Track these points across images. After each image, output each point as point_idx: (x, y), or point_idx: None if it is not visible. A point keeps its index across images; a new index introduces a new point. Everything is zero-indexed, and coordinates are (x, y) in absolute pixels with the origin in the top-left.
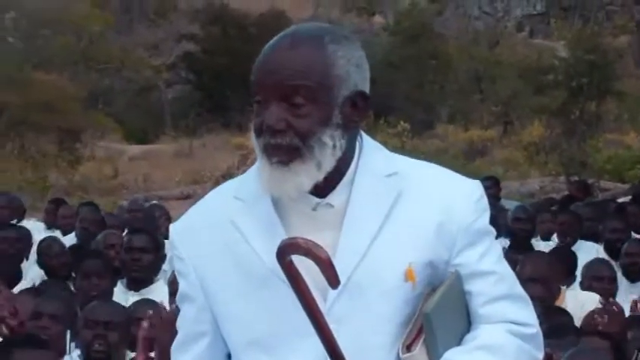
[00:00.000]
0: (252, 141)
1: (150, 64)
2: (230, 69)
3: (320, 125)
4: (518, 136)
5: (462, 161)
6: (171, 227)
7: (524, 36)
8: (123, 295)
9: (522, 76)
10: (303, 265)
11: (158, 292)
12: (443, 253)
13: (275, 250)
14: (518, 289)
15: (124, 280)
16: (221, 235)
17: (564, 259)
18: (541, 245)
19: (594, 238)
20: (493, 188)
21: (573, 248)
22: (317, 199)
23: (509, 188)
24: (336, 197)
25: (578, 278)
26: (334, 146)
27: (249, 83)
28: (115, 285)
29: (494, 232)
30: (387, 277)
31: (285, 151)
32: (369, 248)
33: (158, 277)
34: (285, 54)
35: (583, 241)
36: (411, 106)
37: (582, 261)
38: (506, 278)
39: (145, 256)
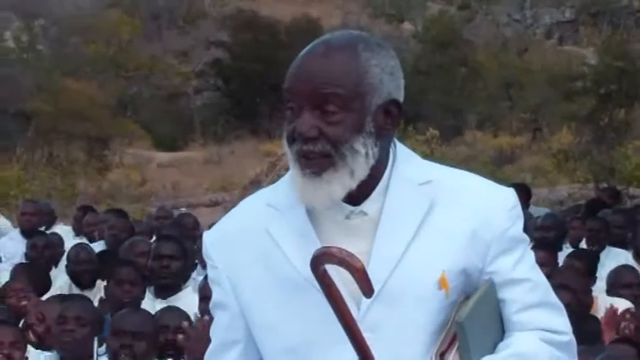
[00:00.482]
0: (285, 148)
1: (179, 70)
2: (259, 76)
3: (352, 133)
4: (547, 143)
5: (491, 168)
6: (205, 236)
7: (553, 43)
8: (150, 303)
9: (551, 83)
10: (337, 273)
11: (186, 299)
12: (476, 261)
13: (309, 258)
14: (552, 296)
15: (152, 288)
16: (255, 243)
17: (583, 262)
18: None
19: (623, 245)
20: (523, 196)
21: (602, 255)
22: (350, 207)
23: (538, 195)
24: (369, 205)
25: (599, 281)
26: (367, 154)
27: (279, 90)
28: (145, 293)
29: (527, 239)
30: (420, 285)
31: (318, 160)
32: (402, 256)
33: (187, 284)
34: (318, 61)
35: (612, 247)
36: (440, 112)
37: (611, 268)
38: (539, 286)
39: (173, 264)
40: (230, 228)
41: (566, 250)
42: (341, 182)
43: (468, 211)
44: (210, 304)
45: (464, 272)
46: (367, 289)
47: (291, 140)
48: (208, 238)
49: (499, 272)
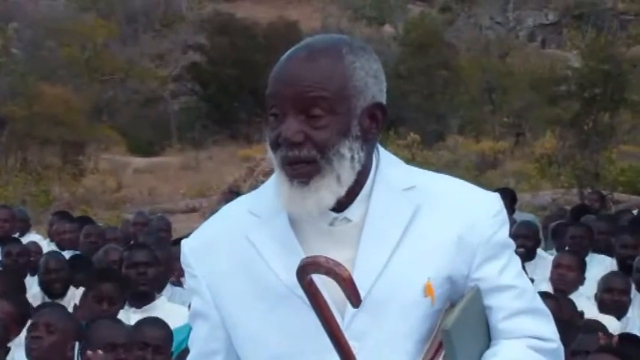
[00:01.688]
0: (269, 155)
1: (155, 74)
2: (237, 80)
3: (339, 137)
4: (531, 148)
5: (473, 173)
6: (184, 243)
7: (536, 46)
8: (124, 313)
9: (534, 87)
10: (320, 281)
11: (161, 309)
12: (462, 267)
13: (292, 267)
14: (539, 303)
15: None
16: (236, 251)
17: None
18: (546, 256)
19: (607, 251)
20: (508, 201)
21: (587, 260)
22: (334, 214)
23: (522, 200)
24: (353, 212)
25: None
26: (353, 158)
27: (257, 94)
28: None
29: (513, 245)
30: (405, 293)
31: (305, 168)
32: (387, 264)
33: (161, 293)
34: (302, 65)
35: (595, 254)
36: (421, 117)
37: (594, 274)
38: (526, 292)
39: (149, 270)
40: (210, 235)
41: (544, 256)
42: (329, 189)
43: (452, 217)
44: (190, 314)
45: (449, 279)
46: (355, 300)
47: (276, 146)
48: (187, 245)
49: (485, 279)
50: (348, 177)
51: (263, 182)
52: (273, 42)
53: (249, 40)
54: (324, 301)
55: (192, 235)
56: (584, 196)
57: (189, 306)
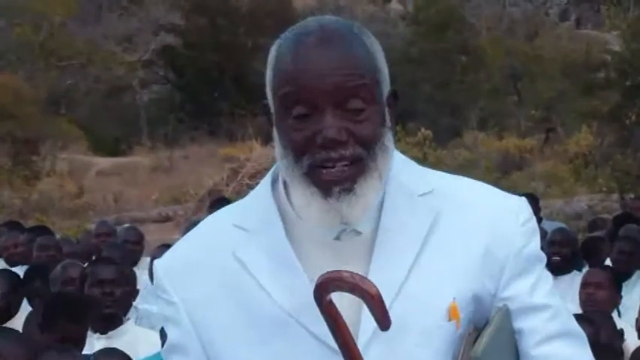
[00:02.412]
0: (280, 163)
1: (122, 59)
2: (218, 66)
3: (381, 128)
4: (563, 146)
5: (495, 175)
6: (157, 264)
7: (569, 26)
8: (87, 339)
9: (567, 74)
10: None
11: (129, 334)
12: (489, 284)
13: (291, 288)
14: (573, 324)
15: None
16: (221, 272)
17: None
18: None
19: None
20: (532, 208)
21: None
22: (342, 226)
23: (552, 207)
24: (363, 223)
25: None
26: (392, 151)
27: (242, 83)
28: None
29: (544, 257)
30: (427, 316)
31: (349, 169)
32: (404, 283)
33: (128, 316)
34: (333, 51)
35: None
36: (435, 109)
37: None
38: (561, 313)
39: (117, 290)
40: (188, 254)
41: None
42: (374, 189)
43: (477, 226)
44: (165, 348)
45: (475, 299)
46: (384, 321)
47: (305, 150)
48: (161, 267)
49: (515, 298)
50: (386, 172)
51: (249, 186)
52: (260, 21)
53: (232, 20)
54: (346, 327)
55: (166, 255)
56: (626, 203)
57: (161, 331)
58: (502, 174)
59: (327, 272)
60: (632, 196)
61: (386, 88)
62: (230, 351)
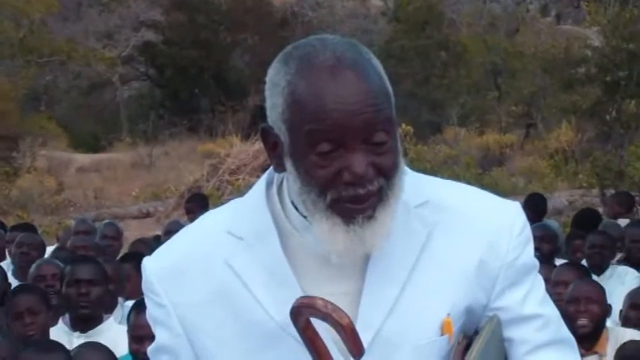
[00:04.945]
0: (299, 197)
1: (102, 56)
2: (198, 62)
3: (399, 155)
4: (543, 142)
5: (476, 171)
6: (147, 264)
7: (549, 22)
8: (66, 337)
9: (548, 70)
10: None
11: (109, 333)
12: (481, 296)
13: (284, 301)
14: (563, 330)
15: (67, 319)
16: (213, 278)
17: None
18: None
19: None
20: (538, 210)
21: (605, 276)
22: (363, 253)
23: None
24: None
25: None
26: (404, 171)
27: (221, 80)
28: (55, 323)
29: (537, 264)
30: (421, 331)
31: (369, 200)
32: (399, 297)
33: (114, 312)
34: (354, 87)
35: (619, 266)
36: (415, 105)
37: (620, 290)
38: (552, 321)
39: (93, 290)
40: (180, 256)
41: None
42: (392, 214)
43: (472, 238)
44: (151, 348)
45: (467, 311)
46: (356, 350)
47: (329, 186)
48: (151, 267)
49: (507, 308)
50: (400, 195)
51: (229, 182)
52: (239, 18)
53: (212, 17)
54: (325, 347)
55: (156, 255)
56: (607, 198)
57: None
58: (482, 170)
59: (302, 297)
60: (612, 191)
61: (394, 110)
62: (223, 357)
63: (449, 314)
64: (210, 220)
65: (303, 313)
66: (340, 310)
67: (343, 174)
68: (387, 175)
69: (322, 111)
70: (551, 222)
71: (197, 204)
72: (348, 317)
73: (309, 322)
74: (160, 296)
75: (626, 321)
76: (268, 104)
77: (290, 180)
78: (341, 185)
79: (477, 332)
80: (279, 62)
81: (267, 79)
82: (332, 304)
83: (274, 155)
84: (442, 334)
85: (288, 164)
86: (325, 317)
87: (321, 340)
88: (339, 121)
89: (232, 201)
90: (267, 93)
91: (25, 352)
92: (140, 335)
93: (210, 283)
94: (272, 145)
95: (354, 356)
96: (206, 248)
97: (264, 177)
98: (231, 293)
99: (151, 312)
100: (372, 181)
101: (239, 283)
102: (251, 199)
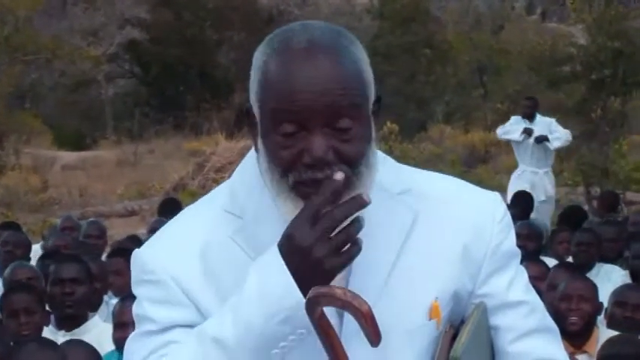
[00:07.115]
0: (265, 174)
1: (87, 54)
2: (183, 60)
3: (366, 144)
4: None
5: (461, 169)
6: (138, 251)
7: (535, 19)
8: (52, 336)
9: (533, 68)
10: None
11: (95, 331)
12: (467, 282)
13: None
14: (548, 319)
15: (52, 318)
16: (218, 251)
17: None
18: None
19: (618, 261)
20: (526, 207)
21: (592, 274)
22: None
23: None
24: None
25: None
26: (376, 164)
27: (207, 77)
28: (47, 320)
29: (519, 253)
30: (409, 317)
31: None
32: (386, 283)
33: (99, 311)
34: (322, 71)
35: (605, 264)
36: (401, 103)
37: (607, 288)
38: (537, 308)
39: (78, 289)
40: (175, 237)
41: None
42: None
43: (455, 224)
44: (154, 331)
45: (454, 296)
46: (374, 337)
47: (291, 167)
48: (144, 252)
49: (492, 295)
50: (371, 186)
51: (214, 180)
52: (226, 16)
53: (197, 14)
54: (338, 339)
55: (147, 243)
56: (592, 196)
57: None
58: (468, 168)
59: (319, 287)
60: (597, 189)
61: (371, 99)
62: None
63: (437, 298)
64: (205, 203)
65: (320, 303)
66: (359, 297)
67: (304, 156)
68: (351, 163)
69: (288, 91)
70: (540, 220)
71: (170, 210)
72: (367, 304)
73: (323, 313)
74: (155, 273)
75: (611, 318)
76: (250, 84)
77: (260, 159)
78: (301, 167)
79: (463, 322)
80: (263, 44)
81: (253, 60)
82: (350, 291)
83: (254, 135)
84: (430, 319)
85: (260, 143)
86: (344, 305)
87: (334, 331)
88: (303, 103)
89: (223, 184)
90: (250, 73)
91: (20, 350)
92: (124, 322)
93: (214, 255)
94: (251, 125)
95: (371, 342)
96: (207, 226)
97: (252, 157)
98: (238, 264)
99: (150, 295)
100: (331, 165)
101: (245, 255)
102: (246, 178)
